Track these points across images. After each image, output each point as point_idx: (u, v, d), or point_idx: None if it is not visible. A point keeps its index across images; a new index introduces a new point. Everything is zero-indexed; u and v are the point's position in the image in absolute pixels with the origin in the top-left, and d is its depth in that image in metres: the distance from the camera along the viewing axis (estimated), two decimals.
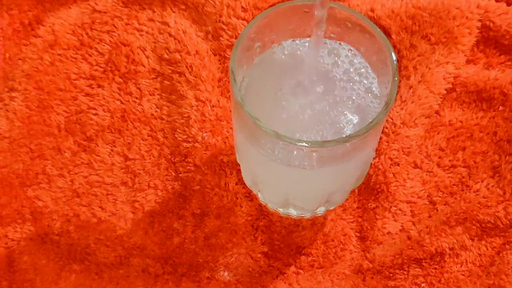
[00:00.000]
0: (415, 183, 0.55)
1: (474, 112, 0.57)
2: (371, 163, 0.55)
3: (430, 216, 0.54)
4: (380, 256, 0.53)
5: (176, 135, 0.57)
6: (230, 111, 0.58)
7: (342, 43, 0.46)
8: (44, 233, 0.55)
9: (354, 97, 0.44)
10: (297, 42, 0.46)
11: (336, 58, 0.46)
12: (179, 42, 0.60)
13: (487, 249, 0.53)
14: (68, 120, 0.59)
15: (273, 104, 0.44)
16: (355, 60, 0.46)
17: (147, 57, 0.60)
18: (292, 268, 0.54)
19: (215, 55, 0.60)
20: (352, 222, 0.55)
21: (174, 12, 0.62)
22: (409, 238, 0.53)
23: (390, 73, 0.43)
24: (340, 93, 0.44)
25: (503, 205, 0.53)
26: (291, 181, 0.46)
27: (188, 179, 0.56)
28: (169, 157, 0.57)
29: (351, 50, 0.46)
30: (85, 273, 0.54)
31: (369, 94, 0.44)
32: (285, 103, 0.43)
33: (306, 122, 0.42)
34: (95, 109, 0.59)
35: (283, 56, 0.46)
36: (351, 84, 0.45)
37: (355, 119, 0.43)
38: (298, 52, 0.46)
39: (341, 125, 0.43)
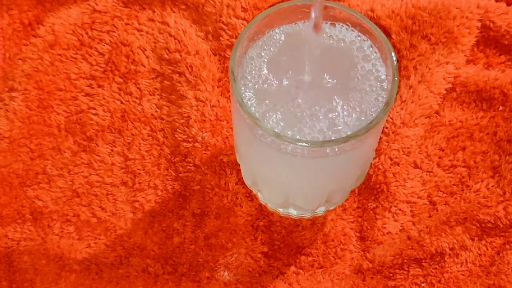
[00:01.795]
0: (415, 183, 0.55)
1: (474, 112, 0.57)
2: (371, 163, 0.55)
3: (430, 216, 0.54)
4: (380, 256, 0.53)
5: (176, 135, 0.57)
6: (230, 111, 0.58)
7: (349, 27, 0.45)
8: (44, 233, 0.55)
9: (360, 89, 0.43)
10: (296, 25, 0.46)
11: (342, 44, 0.45)
12: (179, 42, 0.60)
13: (487, 249, 0.53)
14: (68, 120, 0.59)
15: (273, 95, 0.43)
16: (363, 46, 0.45)
17: (147, 57, 0.60)
18: (292, 268, 0.54)
19: (215, 55, 0.60)
20: (352, 222, 0.55)
21: (174, 12, 0.62)
22: (409, 238, 0.53)
23: (390, 73, 0.43)
24: (345, 83, 0.44)
25: (503, 205, 0.53)
26: (291, 176, 0.46)
27: (188, 179, 0.56)
28: (169, 157, 0.57)
29: (359, 36, 0.45)
30: (85, 273, 0.54)
31: (377, 83, 0.44)
32: (285, 95, 0.43)
33: (305, 116, 0.42)
34: (95, 109, 0.59)
35: (282, 40, 0.45)
36: (357, 73, 0.44)
37: (358, 112, 0.43)
38: (298, 36, 0.45)
39: (341, 120, 0.43)
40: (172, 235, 0.55)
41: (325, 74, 0.44)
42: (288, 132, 0.42)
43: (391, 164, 0.55)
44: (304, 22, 0.46)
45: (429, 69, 0.57)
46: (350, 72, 0.44)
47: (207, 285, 0.53)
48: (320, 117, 0.42)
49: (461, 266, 0.53)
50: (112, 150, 0.58)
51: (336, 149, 0.41)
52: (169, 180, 0.56)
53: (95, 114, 0.59)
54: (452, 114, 0.57)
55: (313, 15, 0.42)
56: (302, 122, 0.42)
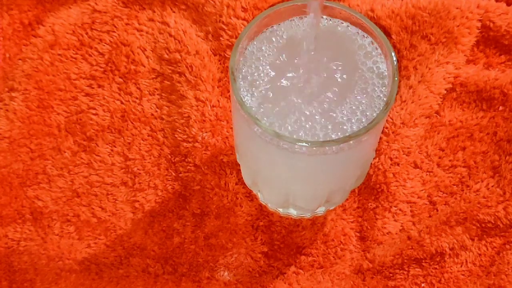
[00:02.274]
0: (415, 183, 0.55)
1: (474, 112, 0.57)
2: (371, 163, 0.55)
3: (430, 216, 0.54)
4: (380, 256, 0.53)
5: (176, 135, 0.57)
6: (230, 111, 0.58)
7: (349, 25, 0.45)
8: (44, 233, 0.55)
9: (360, 88, 0.43)
10: (295, 21, 0.46)
11: (344, 39, 0.45)
12: (179, 42, 0.60)
13: (487, 249, 0.53)
14: (68, 120, 0.59)
15: (274, 91, 0.43)
16: (364, 43, 0.45)
17: (147, 57, 0.60)
18: (292, 268, 0.54)
19: (215, 55, 0.60)
20: (352, 222, 0.55)
21: (174, 12, 0.62)
22: (409, 238, 0.53)
23: (390, 73, 0.43)
24: (345, 82, 0.43)
25: (503, 205, 0.53)
26: (291, 175, 0.46)
27: (188, 179, 0.56)
28: (169, 157, 0.57)
29: (358, 32, 0.45)
30: (85, 273, 0.54)
31: (378, 82, 0.43)
32: (285, 93, 0.43)
33: (305, 114, 0.42)
34: (95, 109, 0.59)
35: (282, 37, 0.45)
36: (358, 71, 0.44)
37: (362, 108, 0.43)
38: (297, 33, 0.45)
39: (341, 118, 0.43)
40: (172, 235, 0.55)
41: (326, 71, 0.44)
42: (289, 127, 0.42)
43: (391, 164, 0.55)
44: (303, 17, 0.45)
45: (429, 69, 0.57)
46: (351, 70, 0.44)
47: (207, 285, 0.53)
48: (320, 116, 0.42)
49: (461, 266, 0.53)
50: (112, 150, 0.58)
51: (336, 149, 0.41)
52: (169, 180, 0.56)
53: (95, 114, 0.59)
54: (452, 114, 0.57)
55: (310, 11, 0.42)
56: (302, 120, 0.42)
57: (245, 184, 0.55)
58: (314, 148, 0.41)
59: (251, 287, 0.53)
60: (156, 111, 0.59)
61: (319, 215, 0.54)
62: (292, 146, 0.40)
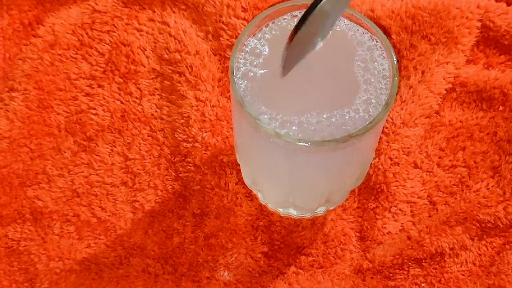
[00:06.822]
0: (415, 183, 0.55)
1: (474, 112, 0.57)
2: (371, 163, 0.55)
3: (430, 216, 0.54)
4: (380, 256, 0.53)
5: (176, 135, 0.57)
6: (230, 111, 0.58)
7: (349, 24, 0.45)
8: (44, 233, 0.55)
9: (360, 88, 0.43)
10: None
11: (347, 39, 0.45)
12: (179, 42, 0.60)
13: (487, 249, 0.53)
14: (68, 120, 0.59)
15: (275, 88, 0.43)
16: (364, 42, 0.45)
17: (147, 57, 0.60)
18: (292, 268, 0.54)
19: (215, 55, 0.60)
20: (352, 222, 0.55)
21: (174, 12, 0.62)
22: (409, 238, 0.53)
23: (390, 73, 0.43)
24: (345, 81, 0.43)
25: (503, 205, 0.53)
26: (291, 173, 0.46)
27: (188, 179, 0.56)
28: (169, 157, 0.57)
29: (358, 30, 0.45)
30: (85, 273, 0.54)
31: (377, 82, 0.43)
32: (285, 92, 0.43)
33: (304, 112, 0.42)
34: (95, 109, 0.59)
35: (281, 34, 0.45)
36: (357, 71, 0.44)
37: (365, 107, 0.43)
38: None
39: (340, 118, 0.43)
40: (172, 235, 0.55)
41: (326, 71, 0.44)
42: (289, 126, 0.42)
43: (391, 164, 0.55)
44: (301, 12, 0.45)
45: (429, 69, 0.57)
46: (351, 70, 0.44)
47: (207, 285, 0.53)
48: (320, 115, 0.42)
49: (461, 266, 0.53)
50: (112, 150, 0.58)
51: (336, 149, 0.41)
52: (169, 180, 0.56)
53: (95, 114, 0.59)
54: (452, 114, 0.57)
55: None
56: (302, 119, 0.42)
57: (245, 184, 0.55)
58: (314, 148, 0.41)
59: (251, 287, 0.53)
60: (156, 111, 0.59)
61: (319, 215, 0.54)
62: (292, 145, 0.40)
